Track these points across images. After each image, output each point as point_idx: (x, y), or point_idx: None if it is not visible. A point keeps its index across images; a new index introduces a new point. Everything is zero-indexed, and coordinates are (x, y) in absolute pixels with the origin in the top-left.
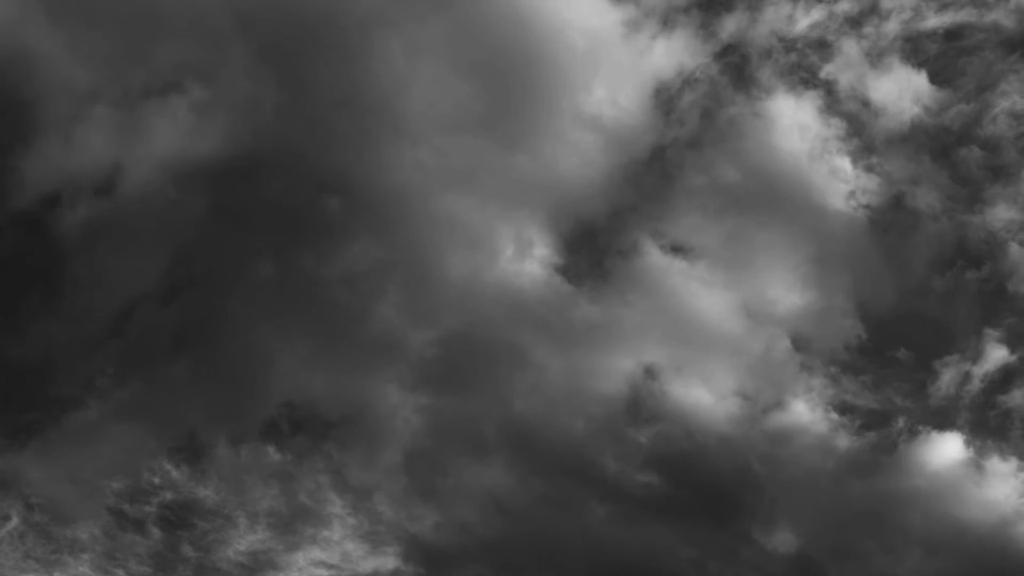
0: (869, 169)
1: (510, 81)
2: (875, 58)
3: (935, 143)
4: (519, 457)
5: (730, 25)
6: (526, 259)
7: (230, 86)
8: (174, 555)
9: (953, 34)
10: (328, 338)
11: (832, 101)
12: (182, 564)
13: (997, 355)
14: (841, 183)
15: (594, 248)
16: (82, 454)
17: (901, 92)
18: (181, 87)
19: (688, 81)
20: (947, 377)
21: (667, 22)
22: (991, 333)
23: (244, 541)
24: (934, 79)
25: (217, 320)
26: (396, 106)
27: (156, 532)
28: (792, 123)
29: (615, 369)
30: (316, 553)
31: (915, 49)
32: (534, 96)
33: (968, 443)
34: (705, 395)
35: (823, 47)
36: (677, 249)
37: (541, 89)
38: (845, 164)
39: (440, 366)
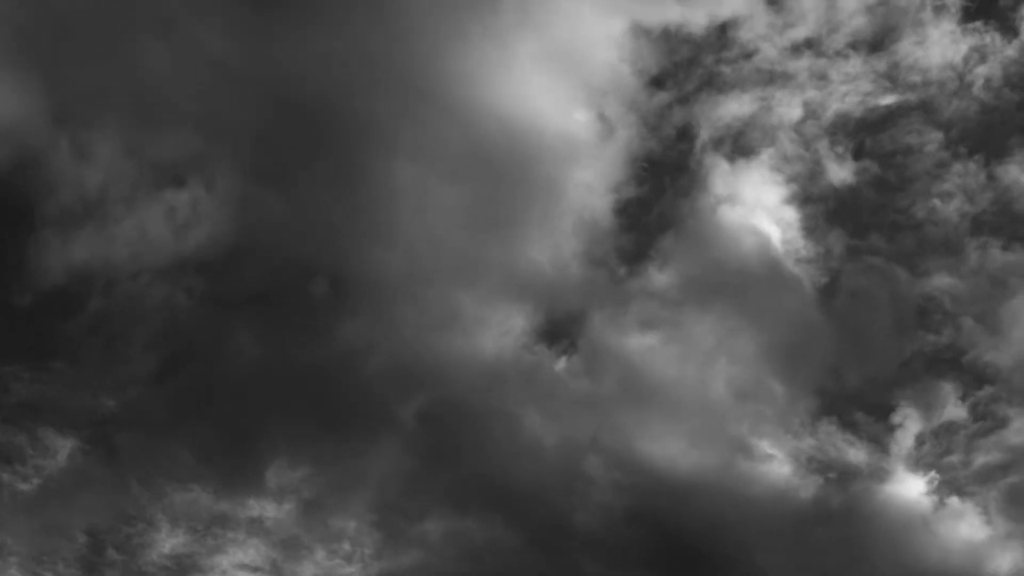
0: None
1: (495, 181)
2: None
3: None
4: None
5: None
6: (507, 337)
7: (229, 180)
8: (100, 559)
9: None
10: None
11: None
12: (108, 568)
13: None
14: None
15: (570, 327)
16: None
17: None
18: (183, 181)
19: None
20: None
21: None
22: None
23: (167, 544)
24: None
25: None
26: (386, 200)
27: (81, 536)
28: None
29: (585, 428)
30: (239, 556)
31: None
32: (516, 194)
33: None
34: (670, 450)
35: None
36: (646, 327)
37: (523, 188)
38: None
39: (424, 431)
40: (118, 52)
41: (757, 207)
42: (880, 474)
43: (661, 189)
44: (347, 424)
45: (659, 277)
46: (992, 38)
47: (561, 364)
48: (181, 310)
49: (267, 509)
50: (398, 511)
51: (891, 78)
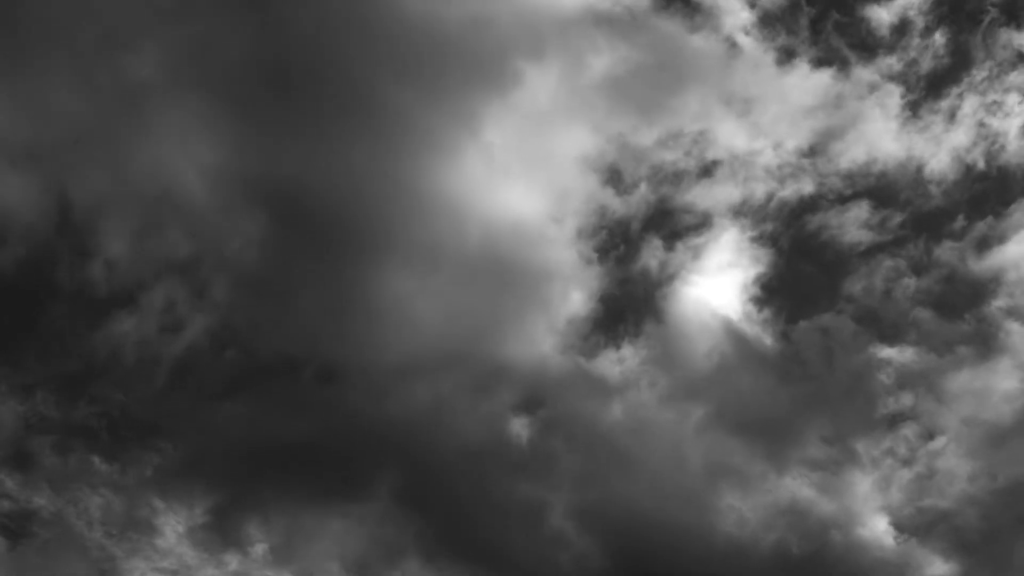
0: None
1: (479, 281)
2: None
3: None
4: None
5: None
6: (485, 417)
7: (227, 277)
8: (22, 563)
9: None
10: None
11: None
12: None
13: None
14: None
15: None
16: None
17: None
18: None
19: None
20: None
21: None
22: None
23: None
24: None
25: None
26: (378, 297)
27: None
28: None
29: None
30: (155, 560)
31: None
32: (498, 292)
33: None
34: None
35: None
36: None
37: (504, 287)
38: None
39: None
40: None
41: (714, 289)
42: (839, 520)
43: (627, 280)
44: (329, 491)
45: (628, 353)
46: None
47: (535, 435)
48: (179, 399)
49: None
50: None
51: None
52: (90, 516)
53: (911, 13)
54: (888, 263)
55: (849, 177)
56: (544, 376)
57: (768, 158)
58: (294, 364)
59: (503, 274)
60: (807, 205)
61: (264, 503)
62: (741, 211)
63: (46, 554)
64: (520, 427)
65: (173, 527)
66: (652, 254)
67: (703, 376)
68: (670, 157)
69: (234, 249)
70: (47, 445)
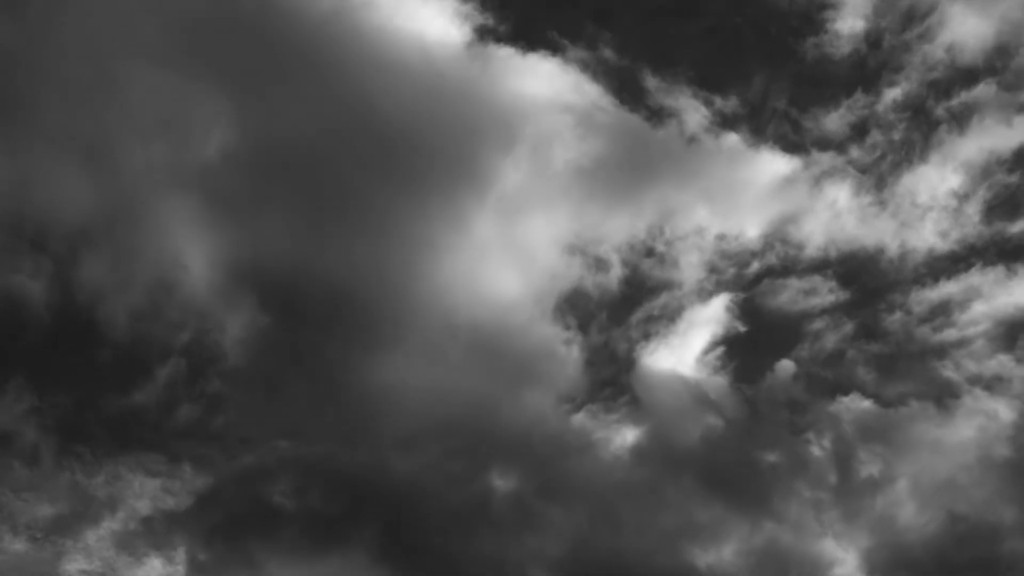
0: None
1: (476, 362)
2: None
3: None
4: None
5: None
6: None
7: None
8: None
9: None
10: None
11: None
12: None
13: None
14: None
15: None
16: None
17: None
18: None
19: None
20: None
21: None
22: None
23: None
24: None
25: None
26: (377, 381)
27: None
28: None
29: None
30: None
31: None
32: (491, 373)
33: None
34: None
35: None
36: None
37: (498, 369)
38: None
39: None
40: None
41: (684, 353)
42: (808, 566)
43: (603, 349)
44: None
45: (607, 415)
46: None
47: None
48: None
49: None
50: None
51: None
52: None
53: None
54: (845, 327)
55: (807, 254)
56: (530, 439)
57: (731, 239)
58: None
59: (489, 350)
60: (769, 276)
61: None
62: (707, 285)
63: None
64: (505, 486)
65: None
66: (627, 324)
67: (675, 434)
68: (639, 238)
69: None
70: None
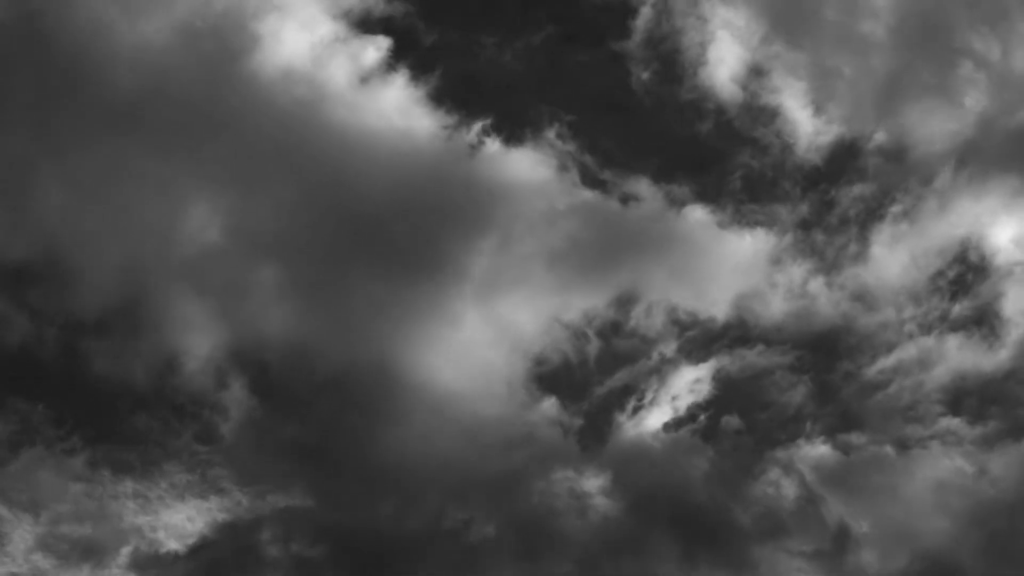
0: None
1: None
2: None
3: None
4: None
5: None
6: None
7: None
8: None
9: None
10: None
11: None
12: None
13: None
14: None
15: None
16: None
17: None
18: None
19: None
20: None
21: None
22: None
23: None
24: None
25: None
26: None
27: None
28: None
29: None
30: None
31: None
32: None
33: None
34: None
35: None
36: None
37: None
38: None
39: None
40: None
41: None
42: None
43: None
44: None
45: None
46: None
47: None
48: None
49: None
50: None
51: None
52: None
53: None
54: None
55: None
56: (513, 496)
57: (698, 312)
58: None
59: (472, 420)
60: (734, 346)
61: None
62: (676, 355)
63: None
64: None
65: None
66: (605, 390)
67: (646, 491)
68: (611, 313)
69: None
70: None
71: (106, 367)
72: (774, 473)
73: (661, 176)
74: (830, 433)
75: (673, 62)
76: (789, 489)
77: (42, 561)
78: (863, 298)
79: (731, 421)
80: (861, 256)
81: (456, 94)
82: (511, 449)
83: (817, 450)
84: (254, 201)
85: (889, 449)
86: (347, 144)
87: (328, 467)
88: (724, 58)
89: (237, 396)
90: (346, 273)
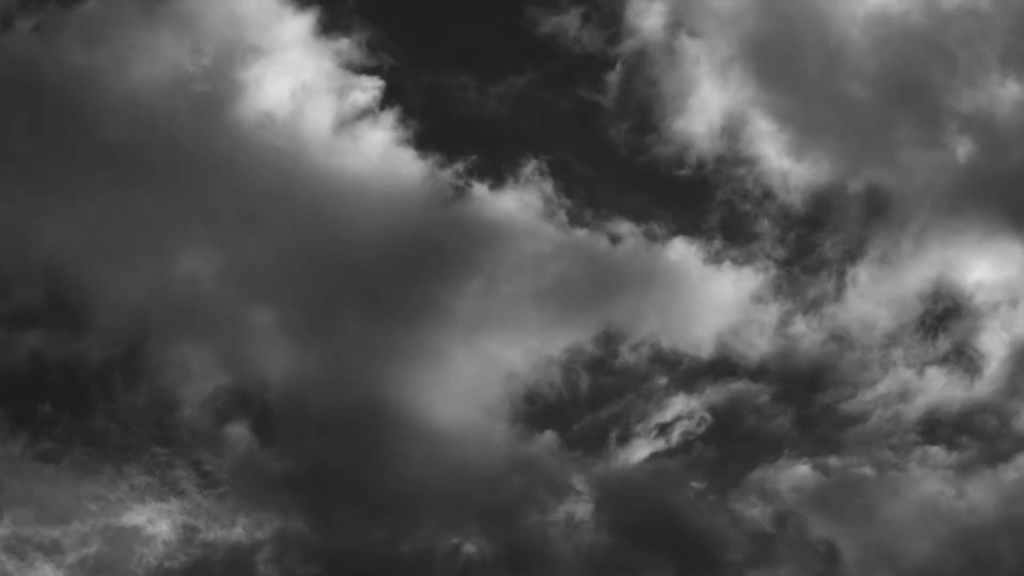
0: None
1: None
2: None
3: None
4: None
5: None
6: None
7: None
8: None
9: None
10: None
11: None
12: None
13: None
14: None
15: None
16: None
17: None
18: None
19: None
20: None
21: None
22: None
23: None
24: None
25: None
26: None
27: None
28: None
29: None
30: None
31: None
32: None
33: None
34: None
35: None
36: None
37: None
38: None
39: None
40: None
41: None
42: None
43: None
44: None
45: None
46: None
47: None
48: None
49: None
50: None
51: None
52: None
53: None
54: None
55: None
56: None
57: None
58: None
59: (465, 455)
60: (718, 381)
61: None
62: (662, 390)
63: None
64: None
65: None
66: (594, 423)
67: (636, 513)
68: (599, 351)
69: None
70: None
71: (106, 409)
72: (755, 496)
73: (642, 216)
74: (811, 456)
75: (650, 112)
76: (769, 510)
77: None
78: (842, 337)
79: (715, 450)
80: (840, 296)
81: (439, 137)
82: (501, 479)
83: (798, 472)
84: (245, 246)
85: (868, 470)
86: (332, 188)
87: (325, 497)
88: (704, 107)
89: (237, 433)
90: (338, 315)
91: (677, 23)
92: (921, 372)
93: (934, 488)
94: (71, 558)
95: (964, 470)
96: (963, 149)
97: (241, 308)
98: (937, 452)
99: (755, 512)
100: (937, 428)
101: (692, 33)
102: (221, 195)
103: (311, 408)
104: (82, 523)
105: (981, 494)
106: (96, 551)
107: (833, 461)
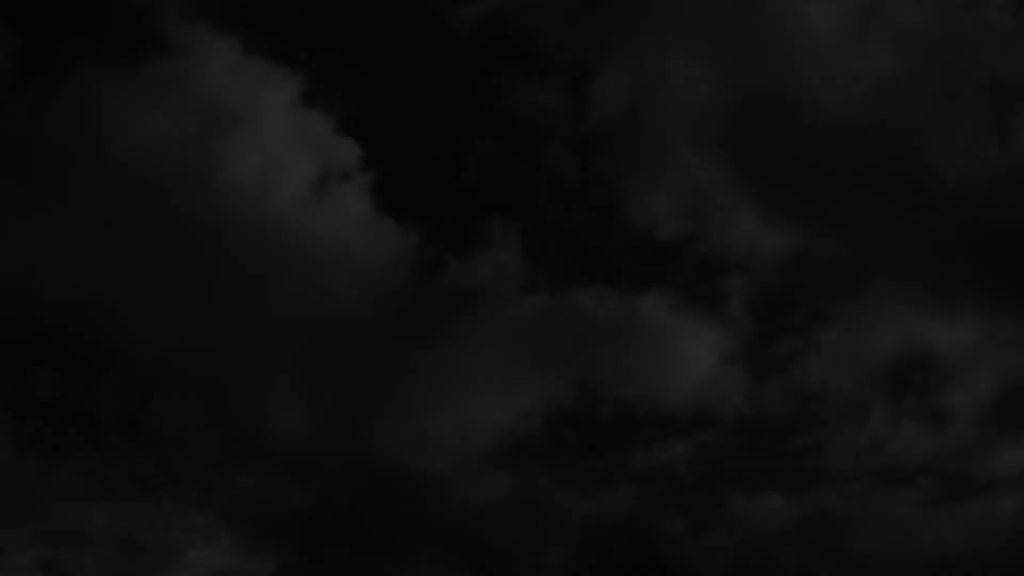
0: None
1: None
2: None
3: None
4: None
5: None
6: None
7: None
8: None
9: None
10: None
11: None
12: None
13: None
14: None
15: None
16: None
17: None
18: None
19: None
20: None
21: None
22: None
23: None
24: None
25: None
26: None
27: None
28: None
29: None
30: None
31: None
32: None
33: None
34: None
35: None
36: None
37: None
38: None
39: None
40: None
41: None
42: None
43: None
44: None
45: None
46: None
47: None
48: None
49: None
50: None
51: None
52: None
53: None
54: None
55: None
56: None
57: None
58: None
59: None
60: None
61: None
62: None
63: None
64: None
65: None
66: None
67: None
68: (577, 405)
69: None
70: None
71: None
72: (731, 533)
73: (612, 277)
74: (784, 494)
75: (618, 182)
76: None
77: None
78: (811, 394)
79: (692, 497)
80: (809, 354)
81: (414, 203)
82: (487, 520)
83: (771, 505)
84: (230, 311)
85: (841, 506)
86: (305, 258)
87: (321, 539)
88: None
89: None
90: (325, 377)
91: (643, 94)
92: (894, 425)
93: (902, 521)
94: None
95: (932, 504)
96: (927, 220)
97: (239, 371)
98: (907, 491)
99: (728, 537)
100: (910, 476)
101: (657, 106)
102: (211, 262)
103: (310, 458)
104: None
105: (950, 525)
106: None
107: (806, 498)
